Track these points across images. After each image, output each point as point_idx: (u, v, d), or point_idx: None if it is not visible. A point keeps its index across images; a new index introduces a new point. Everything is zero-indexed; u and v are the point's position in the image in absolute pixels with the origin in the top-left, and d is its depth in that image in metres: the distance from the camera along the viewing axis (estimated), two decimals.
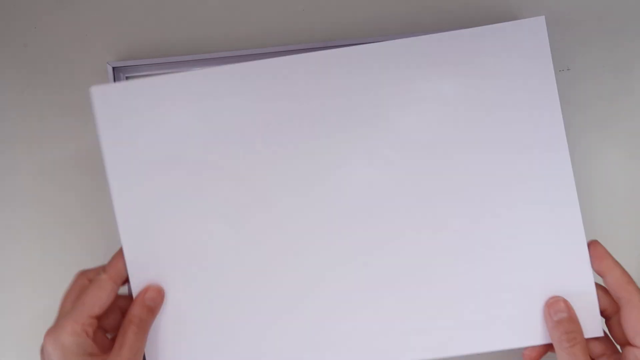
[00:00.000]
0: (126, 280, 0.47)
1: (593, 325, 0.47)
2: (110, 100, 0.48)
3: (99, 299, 0.43)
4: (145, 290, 0.46)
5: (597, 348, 0.47)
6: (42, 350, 0.42)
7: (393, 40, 0.51)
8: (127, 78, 0.54)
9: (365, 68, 0.51)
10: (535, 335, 0.48)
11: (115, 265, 0.46)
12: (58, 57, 0.56)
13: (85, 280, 0.45)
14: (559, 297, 0.47)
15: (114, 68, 0.53)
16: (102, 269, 0.46)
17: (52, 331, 0.42)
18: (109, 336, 0.46)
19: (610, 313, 0.47)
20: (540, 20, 0.52)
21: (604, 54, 0.58)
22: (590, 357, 0.45)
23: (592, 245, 0.48)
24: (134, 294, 0.46)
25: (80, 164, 0.56)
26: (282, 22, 0.57)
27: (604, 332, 0.47)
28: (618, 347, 0.47)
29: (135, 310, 0.44)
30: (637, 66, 0.58)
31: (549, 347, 0.47)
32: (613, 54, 0.58)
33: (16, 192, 0.55)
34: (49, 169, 0.56)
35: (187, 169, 0.48)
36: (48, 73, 0.56)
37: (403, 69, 0.52)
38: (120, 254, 0.47)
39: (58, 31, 0.56)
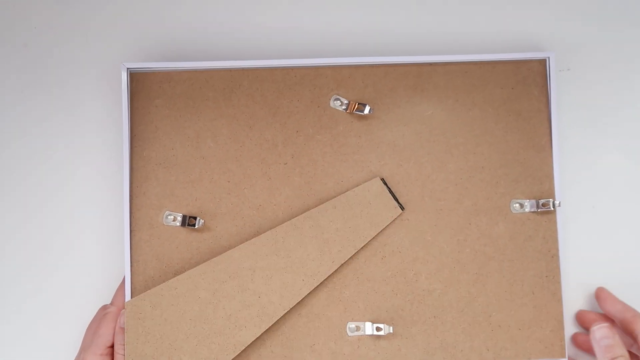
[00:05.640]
0: None
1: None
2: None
3: (111, 329, 0.51)
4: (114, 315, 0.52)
5: None
6: None
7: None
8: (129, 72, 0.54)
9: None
10: None
11: (120, 297, 0.52)
12: (58, 57, 0.57)
13: (103, 313, 0.52)
14: (604, 323, 0.51)
15: (128, 69, 0.53)
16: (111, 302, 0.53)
17: None
18: None
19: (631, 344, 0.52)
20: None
21: (604, 54, 0.58)
22: None
23: (598, 290, 0.55)
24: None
25: (81, 163, 0.56)
26: (292, 36, 0.58)
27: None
28: None
29: (117, 339, 0.51)
30: (637, 66, 0.58)
31: None
32: (613, 54, 0.58)
33: (16, 192, 0.56)
34: (49, 169, 0.56)
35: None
36: (48, 73, 0.57)
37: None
38: (122, 284, 0.53)
39: (58, 31, 0.57)
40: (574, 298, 0.56)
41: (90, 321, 0.53)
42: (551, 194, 0.54)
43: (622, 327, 0.52)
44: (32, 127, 0.56)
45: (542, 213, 0.54)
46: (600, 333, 0.50)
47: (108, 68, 0.57)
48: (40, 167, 0.56)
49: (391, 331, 0.52)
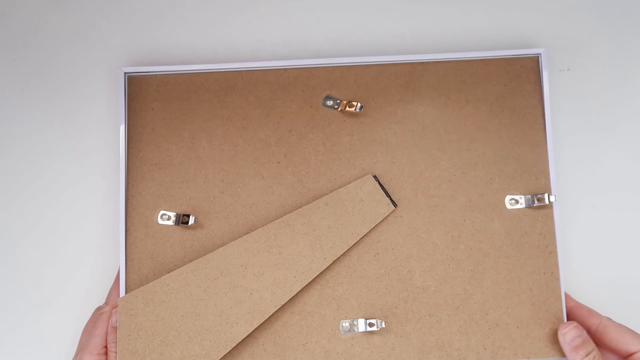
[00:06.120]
0: None
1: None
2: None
3: (106, 329, 0.51)
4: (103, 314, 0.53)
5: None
6: None
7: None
8: (127, 77, 0.55)
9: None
10: None
11: (114, 296, 0.53)
12: (58, 57, 0.58)
13: (98, 314, 0.52)
14: (570, 323, 0.51)
15: (125, 73, 0.55)
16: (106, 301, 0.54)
17: None
18: None
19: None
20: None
21: (604, 54, 0.58)
22: None
23: None
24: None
25: (78, 164, 0.57)
26: (286, 39, 0.59)
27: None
28: None
29: (110, 338, 0.51)
30: (637, 66, 0.58)
31: None
32: (613, 54, 0.58)
33: (12, 191, 0.57)
34: (46, 168, 0.57)
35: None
36: (48, 73, 0.58)
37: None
38: (116, 283, 0.53)
39: (58, 31, 0.58)
40: (576, 297, 0.55)
41: (86, 322, 0.54)
42: (547, 189, 0.53)
43: (584, 324, 0.52)
44: (30, 127, 0.58)
45: (538, 209, 0.53)
46: (572, 334, 0.50)
47: (107, 69, 0.58)
48: (37, 166, 0.57)
49: (383, 326, 0.51)
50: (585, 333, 0.50)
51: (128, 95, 0.55)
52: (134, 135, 0.54)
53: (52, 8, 0.59)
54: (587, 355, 0.49)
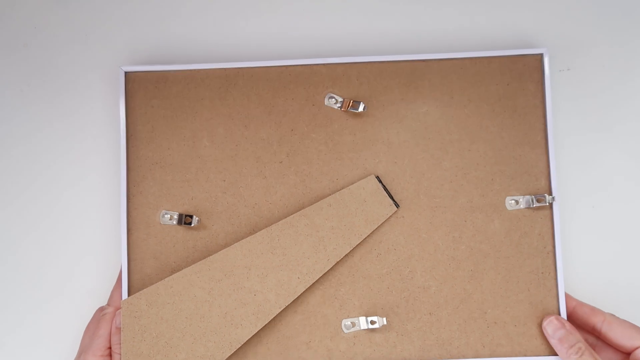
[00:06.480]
0: None
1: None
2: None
3: (109, 330, 0.51)
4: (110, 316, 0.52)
5: (607, 356, 0.52)
6: None
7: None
8: (125, 74, 0.54)
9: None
10: None
11: (116, 297, 0.53)
12: (58, 57, 0.57)
13: (101, 314, 0.52)
14: (550, 315, 0.52)
15: (125, 72, 0.54)
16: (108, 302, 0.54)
17: None
18: None
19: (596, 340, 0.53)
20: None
21: (604, 54, 0.58)
22: None
23: None
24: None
25: (81, 163, 0.57)
26: (287, 38, 0.58)
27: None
28: None
29: (114, 339, 0.51)
30: (637, 66, 0.58)
31: None
32: (613, 54, 0.58)
33: (12, 191, 0.57)
34: (46, 168, 0.57)
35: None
36: (48, 73, 0.57)
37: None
38: (118, 284, 0.53)
39: (58, 31, 0.57)
40: (577, 297, 0.56)
41: (88, 323, 0.54)
42: (547, 190, 0.54)
43: (580, 325, 0.53)
44: (30, 127, 0.57)
45: (538, 209, 0.54)
46: (552, 327, 0.51)
47: (107, 68, 0.57)
48: (37, 166, 0.57)
49: (385, 323, 0.52)
50: (568, 324, 0.51)
51: (127, 92, 0.54)
52: (134, 133, 0.54)
53: (52, 8, 0.58)
54: (571, 347, 0.49)
